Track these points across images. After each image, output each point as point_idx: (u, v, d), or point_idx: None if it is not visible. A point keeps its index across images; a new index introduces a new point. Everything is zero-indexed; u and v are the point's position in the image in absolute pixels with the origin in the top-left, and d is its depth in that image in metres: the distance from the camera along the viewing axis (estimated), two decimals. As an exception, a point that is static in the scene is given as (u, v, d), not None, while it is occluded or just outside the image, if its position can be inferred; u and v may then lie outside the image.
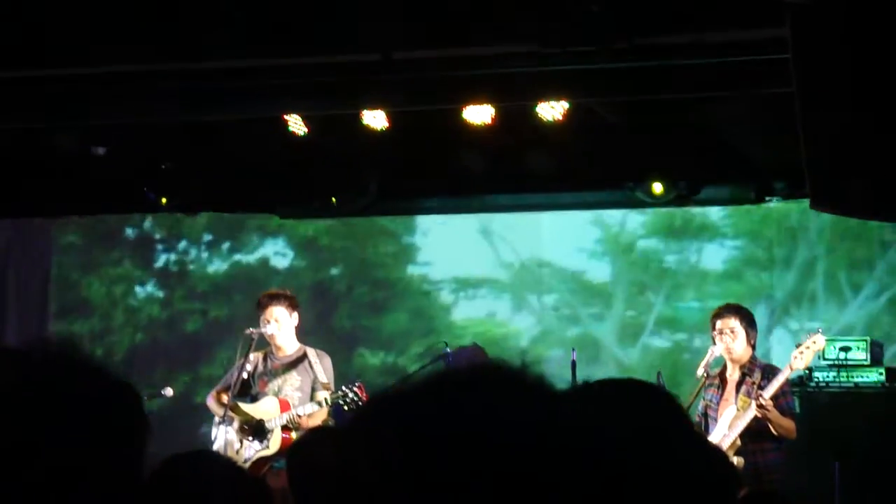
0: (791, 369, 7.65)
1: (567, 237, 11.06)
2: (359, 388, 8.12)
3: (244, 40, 7.76)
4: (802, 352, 7.65)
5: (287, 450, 8.12)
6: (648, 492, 1.18)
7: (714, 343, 7.88)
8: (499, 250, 11.39)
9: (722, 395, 7.87)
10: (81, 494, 1.82)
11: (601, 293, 11.18)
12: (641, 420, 1.33)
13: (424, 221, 11.55)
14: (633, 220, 11.00)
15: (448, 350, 9.33)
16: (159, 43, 7.86)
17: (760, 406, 7.47)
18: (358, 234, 11.72)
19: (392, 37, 7.61)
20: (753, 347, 7.87)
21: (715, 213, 10.67)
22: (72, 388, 1.93)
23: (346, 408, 8.08)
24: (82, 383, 1.94)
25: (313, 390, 8.36)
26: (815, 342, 7.70)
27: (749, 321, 7.85)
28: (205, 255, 12.14)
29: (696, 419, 7.97)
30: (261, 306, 8.50)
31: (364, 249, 11.77)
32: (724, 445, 7.59)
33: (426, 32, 7.57)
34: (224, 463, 3.38)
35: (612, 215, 10.95)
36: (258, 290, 9.42)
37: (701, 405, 7.97)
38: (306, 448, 4.91)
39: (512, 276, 11.46)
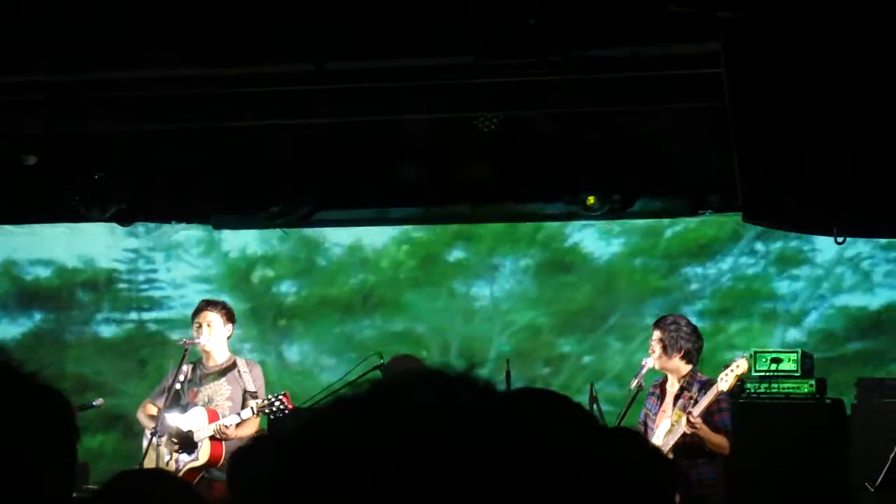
0: (717, 390, 7.67)
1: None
2: (284, 396, 8.11)
3: (177, 49, 7.72)
4: (727, 374, 7.68)
5: (229, 459, 8.10)
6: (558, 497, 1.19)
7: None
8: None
9: (660, 405, 7.91)
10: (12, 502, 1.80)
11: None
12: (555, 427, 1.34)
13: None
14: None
15: (382, 360, 9.34)
16: (90, 52, 7.80)
17: (689, 423, 7.52)
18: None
19: (327, 47, 7.60)
20: (690, 361, 7.87)
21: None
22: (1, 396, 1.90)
23: (271, 417, 8.07)
24: (11, 390, 1.92)
25: (244, 399, 8.34)
26: (738, 366, 7.73)
27: (671, 334, 7.84)
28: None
29: (637, 428, 8.02)
30: (197, 311, 8.49)
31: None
32: (658, 458, 7.65)
33: (362, 43, 7.56)
34: (174, 482, 3.36)
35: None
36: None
37: (642, 413, 8.02)
38: (248, 456, 4.89)
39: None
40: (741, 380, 8.97)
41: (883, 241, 9.74)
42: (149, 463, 8.21)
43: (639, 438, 1.86)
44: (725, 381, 7.64)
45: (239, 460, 4.79)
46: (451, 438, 1.14)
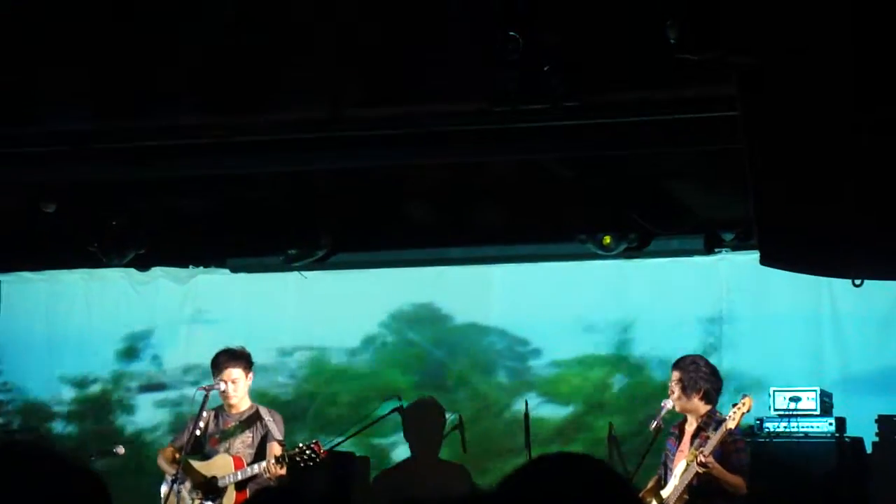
0: (724, 429, 7.66)
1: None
2: (315, 445, 8.10)
3: (193, 97, 7.76)
4: (734, 412, 7.68)
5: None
6: None
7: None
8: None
9: (678, 446, 7.91)
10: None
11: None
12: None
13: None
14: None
15: (401, 403, 9.34)
16: (107, 100, 7.84)
17: (700, 464, 7.51)
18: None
19: (342, 93, 7.63)
20: (709, 401, 7.87)
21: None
22: (39, 480, 1.93)
23: (301, 465, 8.05)
24: (50, 475, 1.95)
25: (263, 447, 8.34)
26: (744, 404, 7.73)
27: (690, 375, 7.84)
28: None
29: (659, 470, 8.03)
30: (217, 366, 8.47)
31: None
32: (674, 498, 7.64)
33: (376, 89, 7.60)
34: None
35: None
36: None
37: (663, 455, 8.03)
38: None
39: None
40: (760, 419, 8.98)
41: None
42: (168, 509, 8.23)
43: None
44: (732, 420, 7.65)
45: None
46: None
